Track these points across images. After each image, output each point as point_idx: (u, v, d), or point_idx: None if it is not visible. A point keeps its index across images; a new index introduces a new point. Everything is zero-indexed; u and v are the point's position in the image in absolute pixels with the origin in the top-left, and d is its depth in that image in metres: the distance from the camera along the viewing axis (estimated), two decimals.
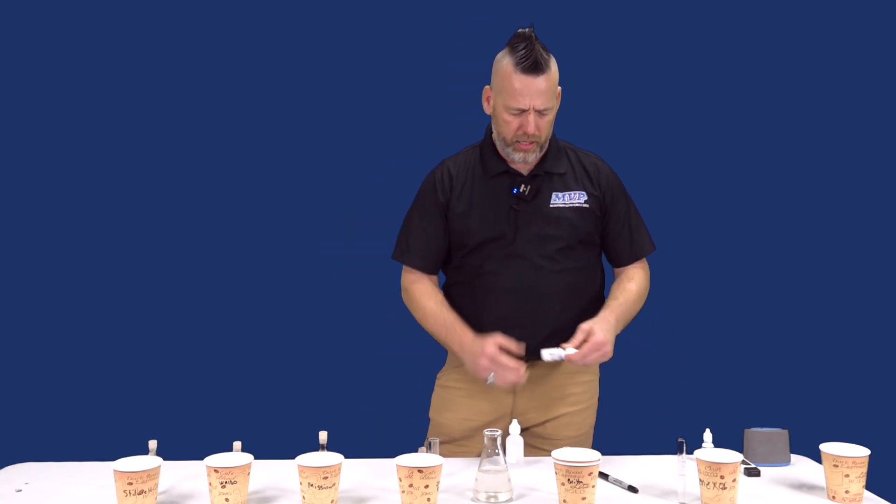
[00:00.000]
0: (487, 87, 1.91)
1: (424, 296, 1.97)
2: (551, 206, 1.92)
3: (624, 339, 2.72)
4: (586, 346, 1.76)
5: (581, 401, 2.01)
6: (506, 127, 1.85)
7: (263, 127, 2.75)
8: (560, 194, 1.93)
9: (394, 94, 2.73)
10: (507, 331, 1.84)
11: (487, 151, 1.96)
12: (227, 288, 2.73)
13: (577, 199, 1.93)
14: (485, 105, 1.94)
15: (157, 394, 2.65)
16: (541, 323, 1.90)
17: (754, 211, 2.73)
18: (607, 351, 1.80)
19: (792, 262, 2.72)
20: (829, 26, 2.69)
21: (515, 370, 1.77)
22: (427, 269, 2.01)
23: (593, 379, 2.06)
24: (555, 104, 1.86)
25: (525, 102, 1.80)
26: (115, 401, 2.64)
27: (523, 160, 1.89)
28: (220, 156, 2.74)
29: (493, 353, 1.77)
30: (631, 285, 1.97)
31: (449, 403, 2.02)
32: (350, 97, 2.74)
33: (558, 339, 1.81)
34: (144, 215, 2.71)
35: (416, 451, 1.54)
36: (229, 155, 2.74)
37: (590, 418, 2.05)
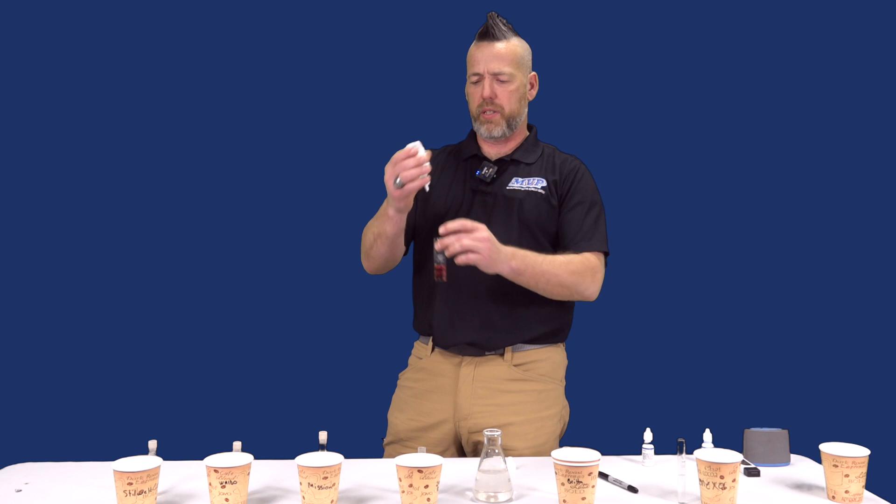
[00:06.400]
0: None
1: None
2: (507, 188, 1.93)
3: (624, 339, 2.72)
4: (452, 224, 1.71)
5: (533, 410, 1.89)
6: (470, 99, 1.95)
7: (265, 127, 2.75)
8: (521, 179, 1.94)
9: (413, 89, 2.74)
10: (456, 311, 1.88)
11: (468, 139, 2.04)
12: (226, 288, 2.73)
13: (534, 184, 1.93)
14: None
15: (157, 394, 2.65)
16: (488, 302, 1.87)
17: (754, 211, 2.73)
18: (475, 230, 1.70)
19: (792, 263, 2.72)
20: (812, 24, 2.70)
21: (414, 163, 1.73)
22: None
23: (548, 389, 1.93)
24: (516, 75, 1.90)
25: (480, 67, 1.89)
26: (115, 401, 2.64)
27: (489, 134, 1.92)
28: (223, 156, 2.74)
29: (394, 157, 1.76)
30: (558, 256, 1.85)
31: (400, 403, 2.02)
32: (366, 94, 2.75)
33: (511, 327, 1.87)
34: (144, 216, 2.71)
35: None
36: (232, 155, 2.74)
37: (546, 430, 1.90)
